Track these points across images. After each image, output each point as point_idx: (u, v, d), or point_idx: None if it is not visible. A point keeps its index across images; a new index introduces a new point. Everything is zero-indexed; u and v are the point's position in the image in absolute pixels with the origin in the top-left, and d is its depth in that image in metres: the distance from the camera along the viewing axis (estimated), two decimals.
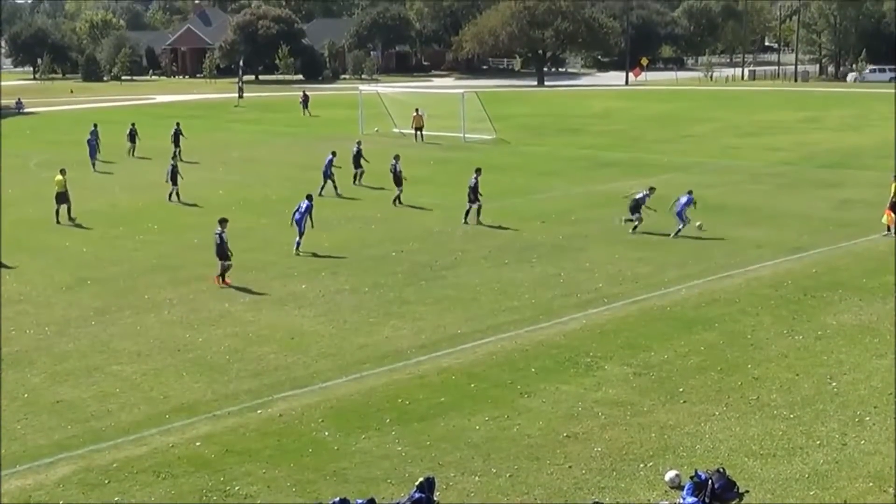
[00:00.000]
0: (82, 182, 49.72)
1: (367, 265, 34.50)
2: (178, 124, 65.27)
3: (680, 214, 38.11)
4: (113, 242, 39.12)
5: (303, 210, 36.45)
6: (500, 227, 40.16)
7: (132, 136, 65.50)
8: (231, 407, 22.10)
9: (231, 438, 20.43)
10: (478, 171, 41.88)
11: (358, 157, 51.55)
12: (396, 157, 46.69)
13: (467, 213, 41.15)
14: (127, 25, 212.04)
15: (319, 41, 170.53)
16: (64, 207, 43.75)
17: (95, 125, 64.15)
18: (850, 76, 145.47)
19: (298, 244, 36.45)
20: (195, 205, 46.97)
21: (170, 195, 47.70)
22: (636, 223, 38.75)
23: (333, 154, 49.93)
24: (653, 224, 38.60)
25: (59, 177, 44.26)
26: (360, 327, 27.65)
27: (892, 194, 38.03)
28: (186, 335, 27.21)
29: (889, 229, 37.54)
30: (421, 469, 18.56)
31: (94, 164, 58.29)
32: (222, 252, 32.43)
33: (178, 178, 47.88)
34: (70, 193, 44.13)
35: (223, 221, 32.89)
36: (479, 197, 40.95)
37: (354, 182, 50.85)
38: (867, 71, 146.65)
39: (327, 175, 48.97)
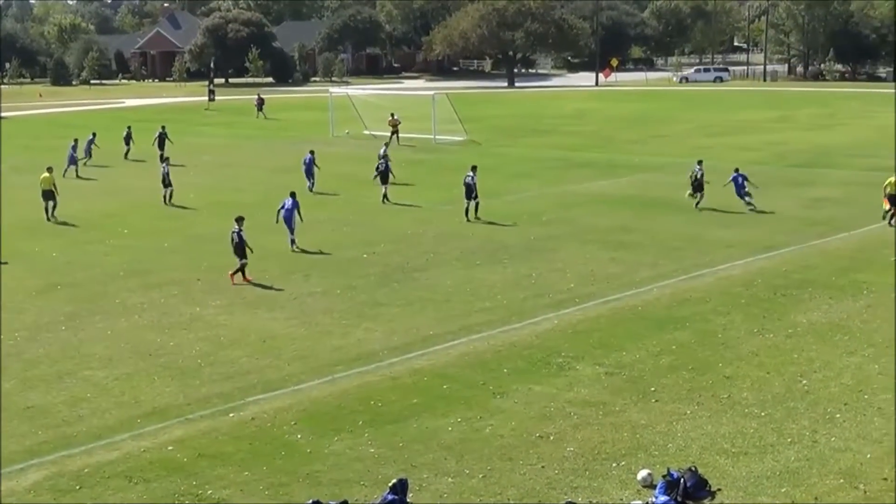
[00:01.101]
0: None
1: (340, 267, 34.46)
2: (163, 128, 65.14)
3: (742, 193, 43.22)
4: (84, 247, 38.93)
5: (289, 207, 37.13)
6: (472, 228, 40.21)
7: (127, 139, 65.42)
8: (203, 411, 22.02)
9: (203, 442, 20.37)
10: (474, 168, 42.59)
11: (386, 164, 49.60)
12: (386, 156, 48.27)
13: (467, 210, 41.91)
14: (96, 29, 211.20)
15: (289, 44, 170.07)
16: (51, 205, 44.68)
17: (94, 134, 63.62)
18: (675, 76, 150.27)
19: (293, 241, 37.12)
20: (178, 206, 46.84)
21: (164, 198, 48.05)
22: (699, 199, 43.64)
23: (312, 153, 50.65)
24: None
25: (46, 174, 45.09)
26: (332, 329, 27.62)
27: (890, 187, 38.59)
28: (158, 339, 27.11)
29: (886, 217, 38.57)
30: (394, 471, 18.53)
31: (65, 171, 57.70)
32: (240, 250, 32.81)
33: (169, 180, 48.23)
34: (56, 191, 44.87)
35: (240, 220, 33.22)
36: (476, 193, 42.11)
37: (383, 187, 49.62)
38: (692, 71, 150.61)
39: (310, 173, 49.92)
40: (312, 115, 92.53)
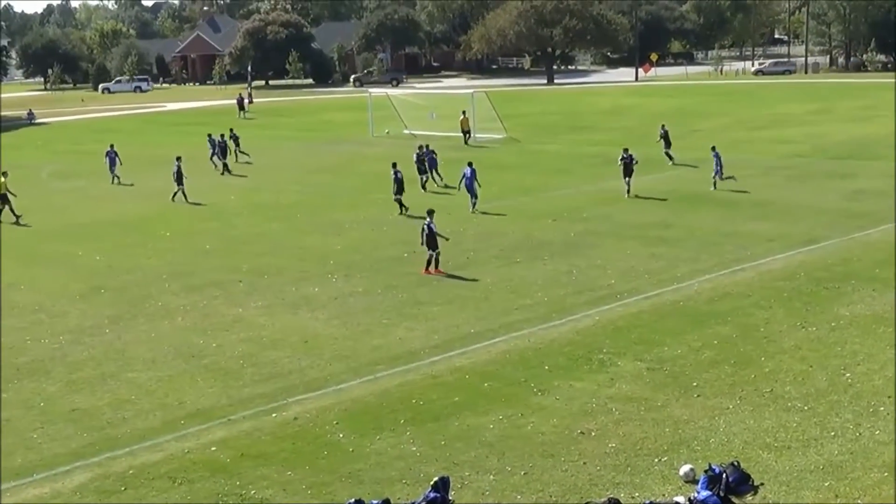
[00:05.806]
0: (90, 191, 49.84)
1: (380, 267, 34.55)
2: (232, 130, 65.96)
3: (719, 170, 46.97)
4: (126, 251, 39.22)
5: (469, 175, 42.80)
6: (512, 226, 40.16)
7: (234, 141, 66.22)
8: (246, 411, 22.16)
9: (246, 442, 20.50)
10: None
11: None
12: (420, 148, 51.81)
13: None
14: (137, 34, 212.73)
15: (328, 45, 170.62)
16: (7, 208, 46.91)
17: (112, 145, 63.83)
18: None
19: (474, 204, 42.85)
20: (208, 209, 47.12)
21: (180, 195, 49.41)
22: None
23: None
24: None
25: (1, 179, 47.79)
26: (373, 329, 27.71)
27: None
28: (200, 341, 27.29)
29: None
30: (435, 469, 18.60)
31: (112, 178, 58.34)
32: (432, 241, 33.35)
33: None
34: (10, 195, 47.18)
35: (431, 213, 34.19)
36: None
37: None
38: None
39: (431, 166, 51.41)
40: (352, 116, 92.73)
